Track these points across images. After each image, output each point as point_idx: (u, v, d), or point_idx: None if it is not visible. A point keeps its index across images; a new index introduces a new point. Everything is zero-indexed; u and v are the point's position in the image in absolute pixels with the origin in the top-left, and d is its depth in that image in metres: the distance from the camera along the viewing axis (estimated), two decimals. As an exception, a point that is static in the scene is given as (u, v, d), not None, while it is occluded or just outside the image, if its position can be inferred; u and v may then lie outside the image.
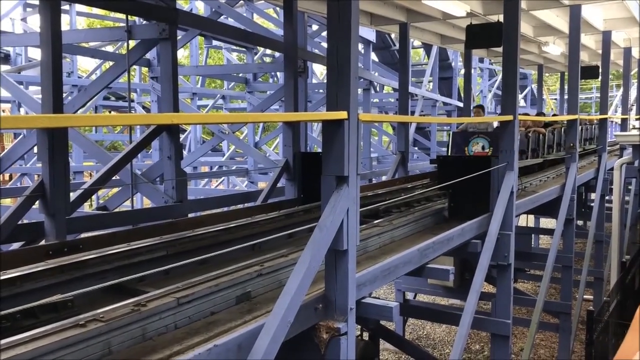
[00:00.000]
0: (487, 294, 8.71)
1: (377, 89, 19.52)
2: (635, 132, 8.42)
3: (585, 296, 10.67)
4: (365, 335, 7.94)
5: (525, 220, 15.83)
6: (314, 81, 19.09)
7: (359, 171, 3.32)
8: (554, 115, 14.26)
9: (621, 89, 17.17)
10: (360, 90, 14.50)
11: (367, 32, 14.74)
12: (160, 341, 2.81)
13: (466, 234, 5.36)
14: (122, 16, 7.32)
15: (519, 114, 6.29)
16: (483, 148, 8.02)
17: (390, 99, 20.45)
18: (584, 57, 15.44)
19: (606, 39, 11.56)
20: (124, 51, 8.36)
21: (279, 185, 7.76)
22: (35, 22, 19.06)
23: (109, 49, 17.01)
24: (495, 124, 9.37)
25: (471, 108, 12.71)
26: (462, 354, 4.93)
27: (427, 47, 19.86)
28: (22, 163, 14.43)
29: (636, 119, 14.46)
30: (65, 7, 14.71)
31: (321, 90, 17.26)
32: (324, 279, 3.35)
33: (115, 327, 2.66)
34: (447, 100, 19.56)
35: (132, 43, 7.33)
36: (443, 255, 5.44)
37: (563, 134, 11.13)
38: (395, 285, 9.58)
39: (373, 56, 18.04)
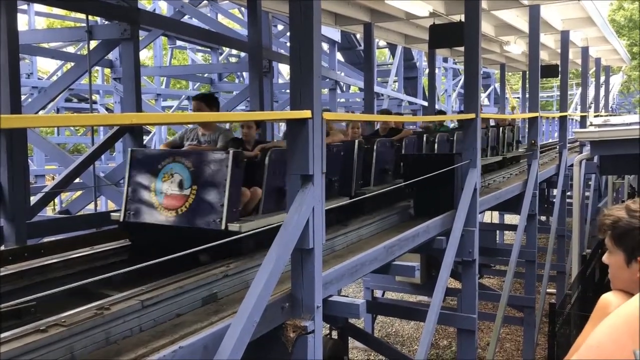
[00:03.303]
0: (453, 289, 8.84)
1: (344, 88, 19.60)
2: (593, 128, 8.64)
3: (548, 290, 10.93)
4: (335, 334, 7.98)
5: (490, 217, 16.11)
6: (280, 81, 19.04)
7: (323, 170, 3.33)
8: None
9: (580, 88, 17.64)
10: (326, 90, 14.54)
11: (332, 32, 14.77)
12: (124, 344, 2.77)
13: (431, 230, 5.43)
14: (83, 16, 7.17)
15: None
16: (180, 186, 3.99)
17: (356, 98, 20.56)
18: (544, 57, 15.79)
19: (564, 38, 11.84)
20: (85, 52, 8.21)
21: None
22: (-8, 22, 18.51)
23: (71, 49, 16.66)
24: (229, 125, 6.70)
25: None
26: (428, 350, 4.99)
27: (392, 47, 20.02)
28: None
29: (594, 117, 14.85)
30: (24, 6, 14.35)
31: (287, 91, 17.23)
32: (290, 278, 3.36)
33: (77, 332, 2.61)
34: (412, 99, 19.76)
35: (93, 43, 7.20)
36: (410, 253, 5.51)
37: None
38: (364, 284, 9.64)
39: (339, 56, 18.10)
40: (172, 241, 3.56)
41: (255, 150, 4.63)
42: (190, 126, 5.21)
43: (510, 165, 10.72)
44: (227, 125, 5.35)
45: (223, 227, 3.76)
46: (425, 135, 7.80)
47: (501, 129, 10.49)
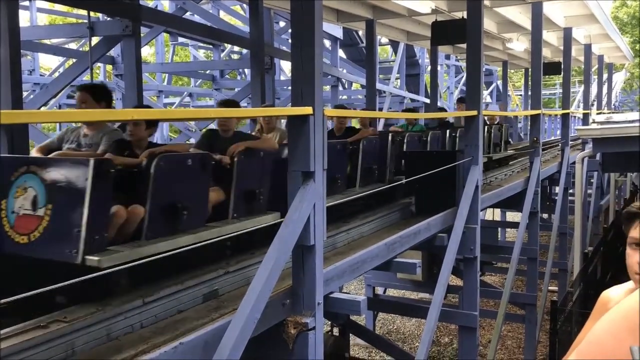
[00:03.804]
0: (455, 287, 8.84)
1: (346, 85, 19.57)
2: (595, 126, 8.62)
3: (550, 287, 10.91)
4: (336, 331, 7.99)
5: (492, 214, 16.11)
6: (282, 78, 19.03)
7: (325, 167, 3.33)
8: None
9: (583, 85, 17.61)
10: (328, 87, 14.53)
11: (334, 29, 14.76)
12: (125, 340, 2.77)
13: (432, 228, 5.42)
14: (85, 12, 7.18)
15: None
16: (34, 203, 3.02)
17: (358, 95, 20.54)
18: (547, 54, 15.76)
19: (567, 35, 11.81)
20: (87, 48, 8.21)
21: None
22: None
23: (72, 46, 16.67)
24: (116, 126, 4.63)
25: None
26: (430, 347, 4.99)
27: (394, 44, 19.98)
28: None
29: (597, 114, 14.83)
30: (25, 3, 14.36)
31: (289, 87, 17.23)
32: (291, 275, 3.36)
33: (78, 328, 2.61)
34: (415, 96, 19.72)
35: (95, 40, 7.20)
36: (412, 250, 5.51)
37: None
38: (365, 281, 9.65)
39: (341, 53, 18.07)
40: (26, 276, 2.92)
41: (141, 155, 3.60)
42: (73, 125, 4.33)
43: (497, 167, 9.68)
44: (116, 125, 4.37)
45: (79, 259, 2.82)
46: (390, 135, 6.65)
47: (486, 127, 9.56)
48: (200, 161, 3.58)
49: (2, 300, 2.07)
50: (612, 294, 1.70)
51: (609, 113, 15.57)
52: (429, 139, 7.52)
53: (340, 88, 16.71)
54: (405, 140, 6.75)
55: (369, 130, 6.89)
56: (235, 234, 3.39)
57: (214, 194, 3.80)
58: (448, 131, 8.26)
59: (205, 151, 3.87)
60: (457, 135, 8.20)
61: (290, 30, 3.16)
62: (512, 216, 17.06)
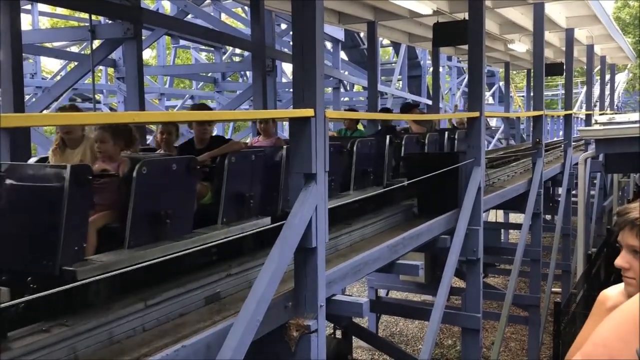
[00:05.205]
0: (458, 288, 8.81)
1: (347, 87, 19.55)
2: (597, 127, 8.60)
3: (553, 289, 10.88)
4: (339, 334, 7.97)
5: (495, 215, 16.07)
6: (284, 80, 19.02)
7: (326, 168, 3.31)
8: None
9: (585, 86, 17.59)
10: (329, 89, 14.51)
11: (336, 31, 14.73)
12: (127, 344, 2.77)
13: (435, 229, 5.41)
14: (87, 16, 7.20)
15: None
16: None
17: (360, 97, 20.52)
18: (549, 55, 15.72)
19: (569, 36, 11.79)
20: (88, 51, 8.23)
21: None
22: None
23: (74, 49, 16.70)
24: None
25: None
26: (433, 349, 4.98)
27: (396, 46, 19.96)
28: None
29: (599, 115, 14.79)
30: (27, 6, 14.38)
31: (291, 90, 17.19)
32: (293, 277, 3.34)
33: (80, 332, 2.61)
34: (417, 98, 19.68)
35: (96, 43, 7.21)
36: (414, 252, 5.49)
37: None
38: (368, 283, 9.63)
39: (342, 55, 18.05)
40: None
41: None
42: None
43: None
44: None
45: None
46: (286, 147, 4.47)
47: (446, 133, 8.15)
48: None
49: (3, 305, 2.08)
50: (610, 293, 1.70)
51: (612, 114, 15.54)
52: (355, 149, 5.54)
53: (342, 90, 16.67)
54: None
55: (239, 143, 4.74)
56: None
57: None
58: (389, 137, 6.49)
59: None
60: (403, 142, 6.90)
61: (291, 33, 3.13)
62: (514, 217, 17.01)
